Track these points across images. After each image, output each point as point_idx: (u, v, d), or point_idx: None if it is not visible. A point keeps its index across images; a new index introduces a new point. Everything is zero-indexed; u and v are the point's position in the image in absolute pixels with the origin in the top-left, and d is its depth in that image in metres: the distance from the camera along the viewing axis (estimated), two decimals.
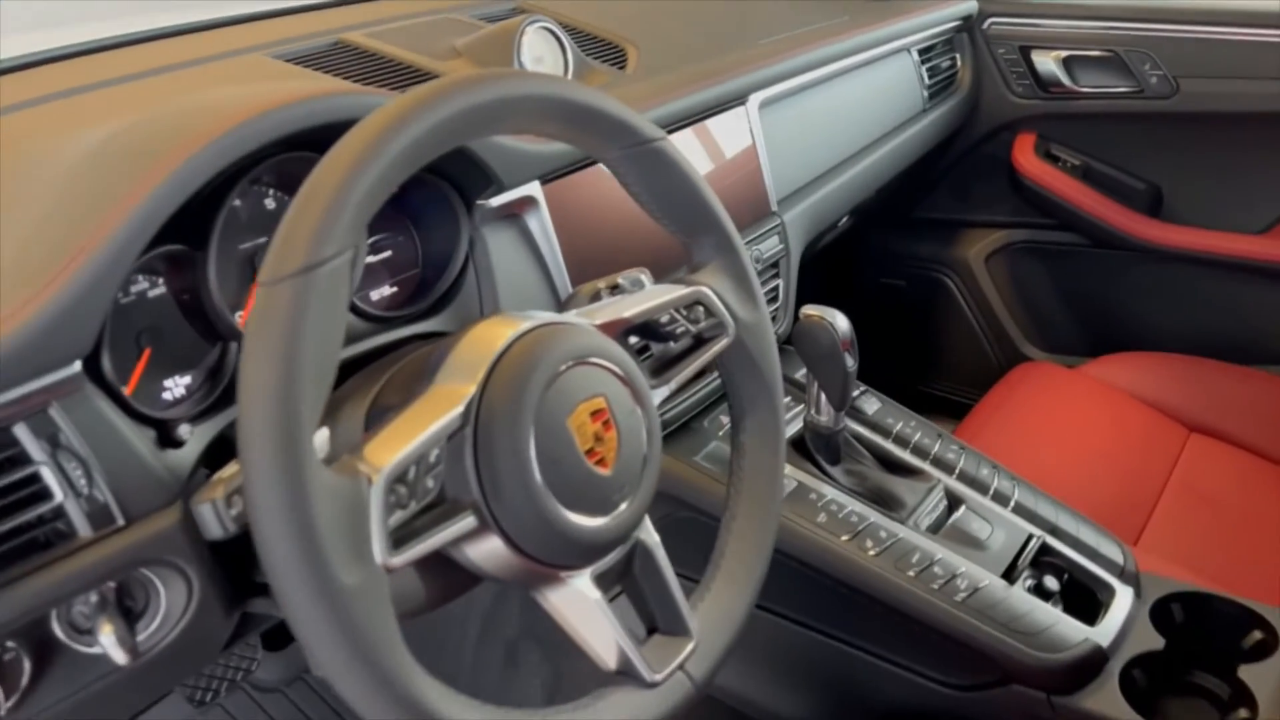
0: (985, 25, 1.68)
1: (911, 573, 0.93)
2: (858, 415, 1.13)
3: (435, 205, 0.86)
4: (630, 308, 0.70)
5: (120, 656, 0.62)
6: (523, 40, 1.04)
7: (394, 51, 1.04)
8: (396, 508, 0.53)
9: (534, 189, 0.90)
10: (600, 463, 0.62)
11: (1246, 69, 1.50)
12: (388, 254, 0.86)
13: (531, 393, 0.59)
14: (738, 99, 1.16)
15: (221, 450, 0.72)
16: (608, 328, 0.68)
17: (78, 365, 0.61)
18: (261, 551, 0.49)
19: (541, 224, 0.91)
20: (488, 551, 0.60)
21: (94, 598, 0.63)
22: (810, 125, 1.30)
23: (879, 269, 2.01)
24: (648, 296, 0.72)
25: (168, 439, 0.67)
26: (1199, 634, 0.96)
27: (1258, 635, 0.93)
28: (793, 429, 1.09)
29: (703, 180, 0.74)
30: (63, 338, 0.59)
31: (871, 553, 0.95)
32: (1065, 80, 1.64)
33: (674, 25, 1.32)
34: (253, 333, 0.49)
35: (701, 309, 0.73)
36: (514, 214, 0.90)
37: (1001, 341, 1.90)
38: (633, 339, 0.72)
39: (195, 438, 0.69)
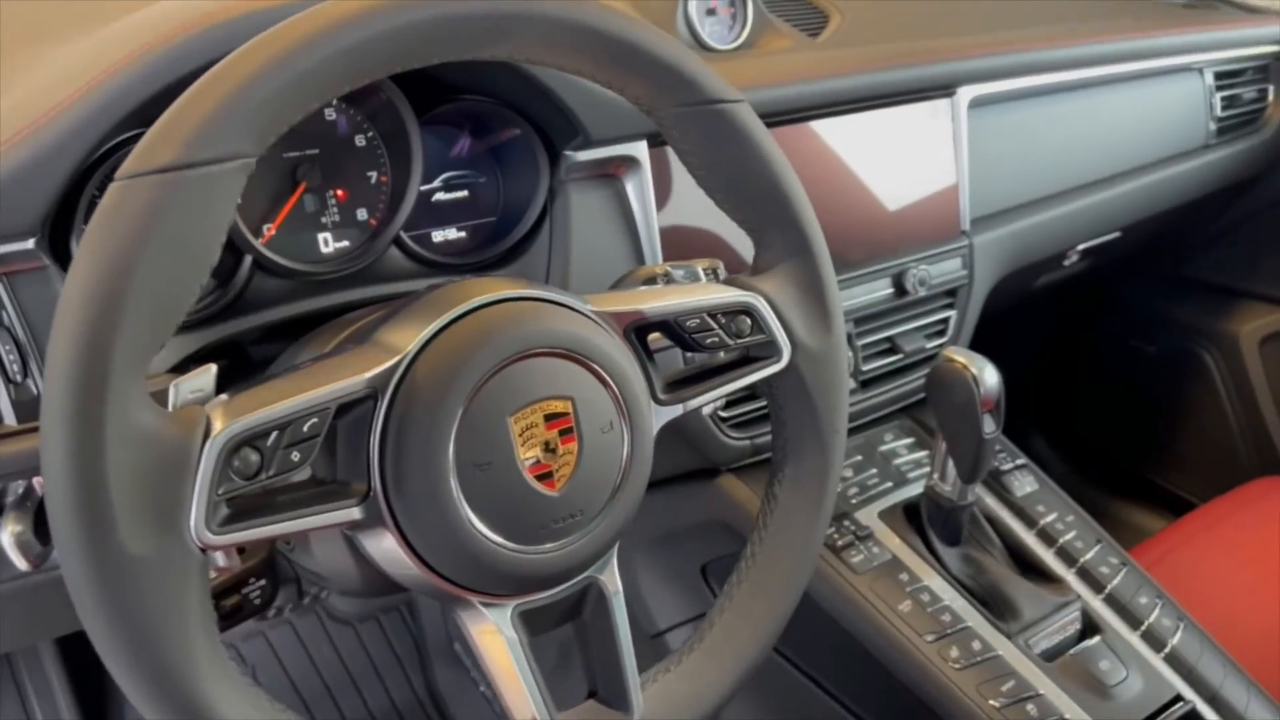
0: None
1: (996, 703, 0.74)
2: (1002, 493, 0.93)
3: (519, 149, 0.76)
4: (652, 300, 0.57)
5: (20, 562, 0.56)
6: None
7: None
8: (238, 476, 0.43)
9: (638, 149, 0.77)
10: (545, 479, 0.50)
11: None
12: (462, 194, 0.77)
13: (468, 374, 0.48)
14: (943, 89, 0.97)
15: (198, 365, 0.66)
16: (614, 319, 0.55)
17: (30, 242, 0.56)
18: (46, 499, 0.41)
19: (641, 190, 0.78)
20: (385, 552, 0.50)
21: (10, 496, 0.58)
22: (1035, 137, 1.08)
23: (1127, 327, 1.71)
24: (683, 292, 0.58)
25: None
26: None
27: None
28: (913, 491, 0.91)
29: (783, 161, 0.59)
30: (4, 210, 0.54)
31: (955, 666, 0.76)
32: None
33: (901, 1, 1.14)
34: (89, 233, 0.41)
35: (748, 321, 0.58)
36: (610, 174, 0.78)
37: (1259, 442, 1.56)
38: (656, 340, 0.58)
39: (174, 346, 0.63)
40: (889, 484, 0.91)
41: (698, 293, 0.58)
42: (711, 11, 0.94)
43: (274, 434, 0.44)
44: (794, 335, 0.60)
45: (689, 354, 0.62)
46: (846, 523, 0.86)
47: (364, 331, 0.52)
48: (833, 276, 0.61)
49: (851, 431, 0.97)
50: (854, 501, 0.89)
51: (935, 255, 0.98)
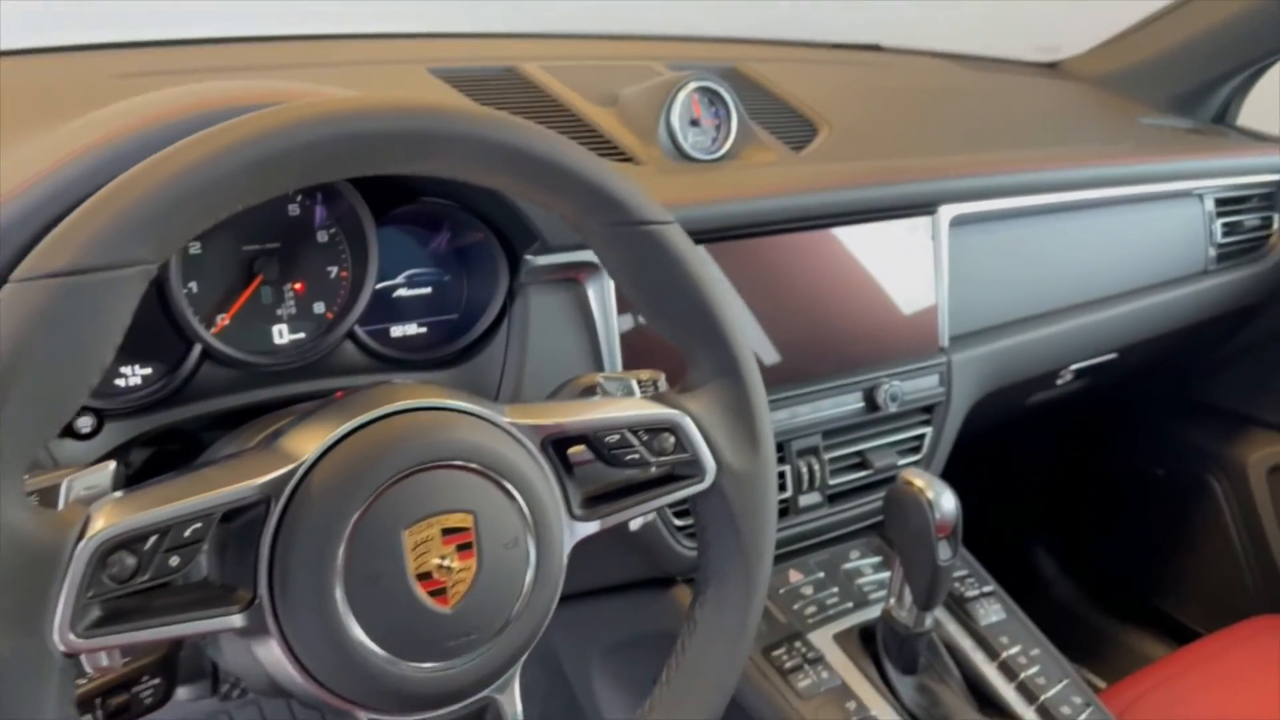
0: None
1: None
2: (966, 620, 0.90)
3: (482, 251, 0.77)
4: (574, 414, 0.57)
5: None
6: (676, 97, 0.93)
7: (555, 88, 0.98)
8: (111, 580, 0.43)
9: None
10: (438, 595, 0.50)
11: None
12: (426, 291, 0.78)
13: (363, 485, 0.48)
14: (924, 207, 0.97)
15: (141, 449, 0.67)
16: (532, 432, 0.55)
17: None
18: None
19: (602, 295, 0.79)
20: (271, 660, 0.49)
21: None
22: (1021, 256, 1.08)
23: (1136, 448, 1.67)
24: (607, 407, 0.58)
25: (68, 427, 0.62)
26: None
27: None
28: (873, 613, 0.88)
29: (713, 281, 0.59)
30: None
31: None
32: None
33: (891, 116, 1.16)
34: None
35: (672, 439, 0.58)
36: (572, 278, 0.78)
37: (1265, 576, 1.50)
38: (576, 453, 0.58)
39: (114, 431, 0.64)
40: (849, 604, 0.89)
41: (622, 408, 0.58)
42: (695, 122, 0.95)
43: (153, 538, 0.44)
44: (719, 455, 0.59)
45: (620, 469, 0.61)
46: (798, 644, 0.83)
47: (277, 432, 0.52)
48: (762, 397, 0.61)
49: (816, 547, 0.96)
50: (810, 621, 0.86)
51: (911, 371, 0.97)
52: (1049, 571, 1.80)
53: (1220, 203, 1.28)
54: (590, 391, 0.63)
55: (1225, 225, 1.29)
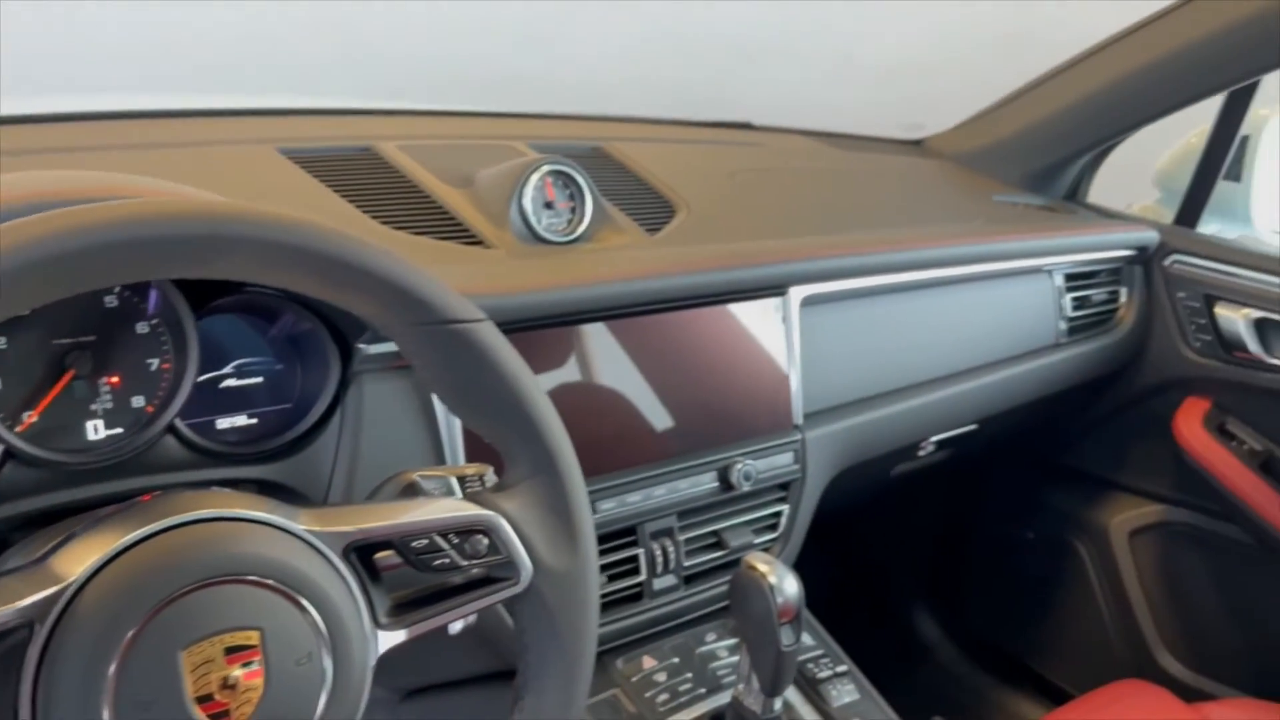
0: (1167, 262, 1.41)
1: None
2: (819, 702, 0.90)
3: (312, 339, 0.75)
4: (377, 519, 0.55)
5: None
6: (529, 180, 0.93)
7: (410, 168, 0.98)
8: None
9: None
10: (221, 718, 0.47)
11: None
12: (256, 380, 0.76)
13: (136, 606, 0.46)
14: (774, 289, 0.99)
15: None
16: (333, 539, 0.53)
17: None
18: None
19: None
20: None
21: None
22: (874, 334, 1.10)
23: (1008, 513, 1.72)
24: (415, 509, 0.56)
25: None
26: None
27: None
28: (725, 698, 0.87)
29: (527, 378, 0.59)
30: None
31: None
32: (1254, 346, 1.33)
33: (752, 197, 1.19)
34: None
35: (485, 540, 0.57)
36: (409, 366, 0.77)
37: (1131, 638, 1.55)
38: (384, 558, 0.56)
39: None
40: (702, 690, 0.88)
41: (432, 510, 0.56)
42: (549, 204, 0.95)
43: None
44: (535, 555, 0.58)
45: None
46: None
47: (60, 544, 0.49)
48: (582, 493, 0.60)
49: (671, 631, 0.95)
50: (661, 710, 0.85)
51: (766, 449, 0.98)
52: (932, 635, 1.82)
53: (1069, 278, 1.34)
54: (411, 490, 0.62)
55: (1074, 300, 1.35)
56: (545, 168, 0.94)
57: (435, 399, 0.78)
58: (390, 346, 0.75)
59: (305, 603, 0.50)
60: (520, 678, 0.60)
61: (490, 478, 0.64)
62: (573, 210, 0.96)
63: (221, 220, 0.48)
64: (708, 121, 1.50)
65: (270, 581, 0.49)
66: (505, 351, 0.58)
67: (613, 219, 0.99)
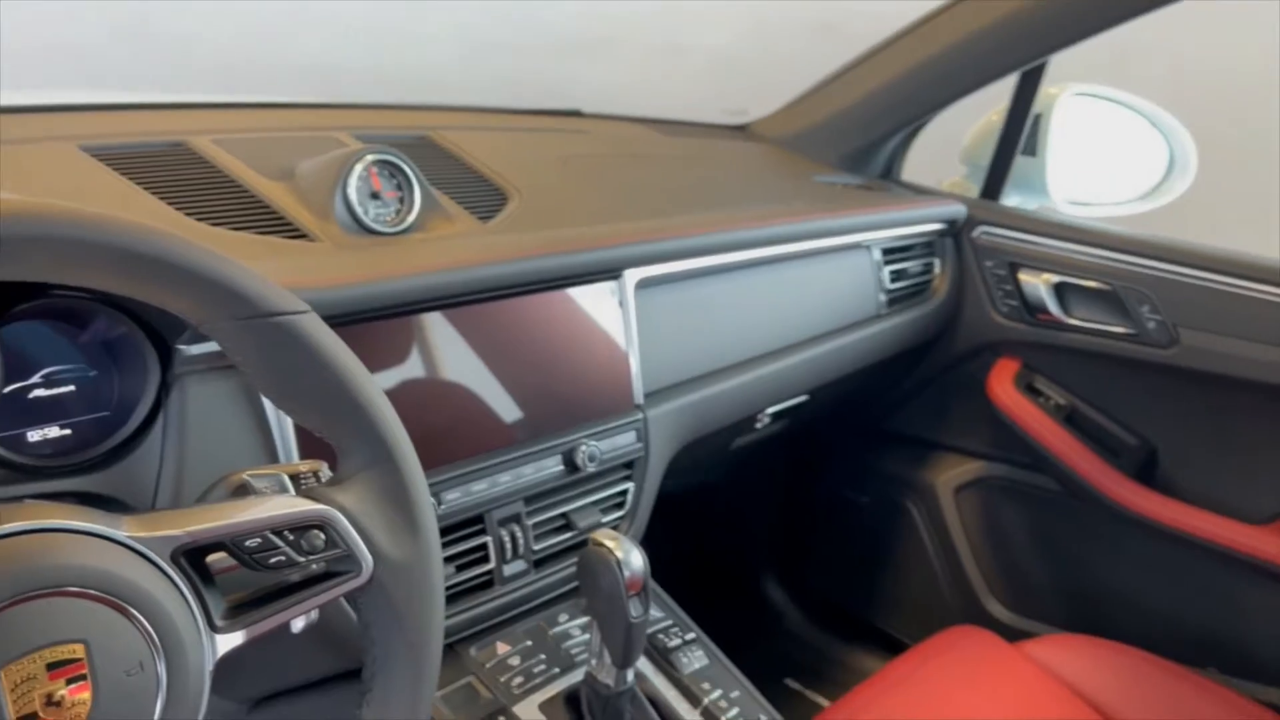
0: (974, 233, 1.51)
1: None
2: (669, 671, 0.93)
3: (128, 343, 0.72)
4: (206, 520, 0.53)
5: None
6: (353, 170, 0.92)
7: (226, 162, 0.94)
8: None
9: None
10: None
11: (1253, 329, 1.29)
12: (69, 389, 0.72)
13: None
14: (608, 272, 1.00)
15: None
16: (159, 544, 0.51)
17: None
18: None
19: None
20: None
21: None
22: (708, 312, 1.13)
23: (842, 479, 1.80)
24: (245, 509, 0.55)
25: None
26: None
27: None
28: (576, 677, 0.89)
29: (357, 368, 0.58)
30: None
31: None
32: (1054, 308, 1.45)
33: (584, 182, 1.20)
34: None
35: (322, 536, 0.56)
36: (234, 365, 0.75)
37: (959, 586, 1.66)
38: (216, 560, 0.55)
39: None
40: (556, 670, 0.89)
41: (263, 508, 0.55)
42: (375, 195, 0.94)
43: None
44: (376, 548, 0.57)
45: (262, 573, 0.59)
46: (502, 718, 0.83)
47: None
48: (420, 481, 0.60)
49: (524, 615, 0.95)
50: (516, 693, 0.86)
51: (609, 430, 1.00)
52: (779, 601, 1.89)
53: (886, 252, 1.42)
54: (241, 490, 0.60)
55: (892, 273, 1.42)
56: (370, 157, 0.92)
57: (263, 397, 0.76)
58: (212, 346, 0.72)
59: (133, 611, 0.48)
60: (367, 671, 0.59)
61: (325, 473, 0.63)
62: (400, 200, 0.95)
63: (13, 218, 0.46)
64: (536, 110, 1.50)
65: (92, 591, 0.47)
66: (331, 342, 0.57)
67: (443, 208, 0.98)
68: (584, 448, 0.96)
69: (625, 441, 1.01)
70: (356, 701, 0.89)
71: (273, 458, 0.77)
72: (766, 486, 1.87)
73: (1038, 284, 1.45)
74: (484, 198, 1.05)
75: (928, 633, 1.34)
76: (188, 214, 0.83)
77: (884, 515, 1.74)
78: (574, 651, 0.92)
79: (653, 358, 1.05)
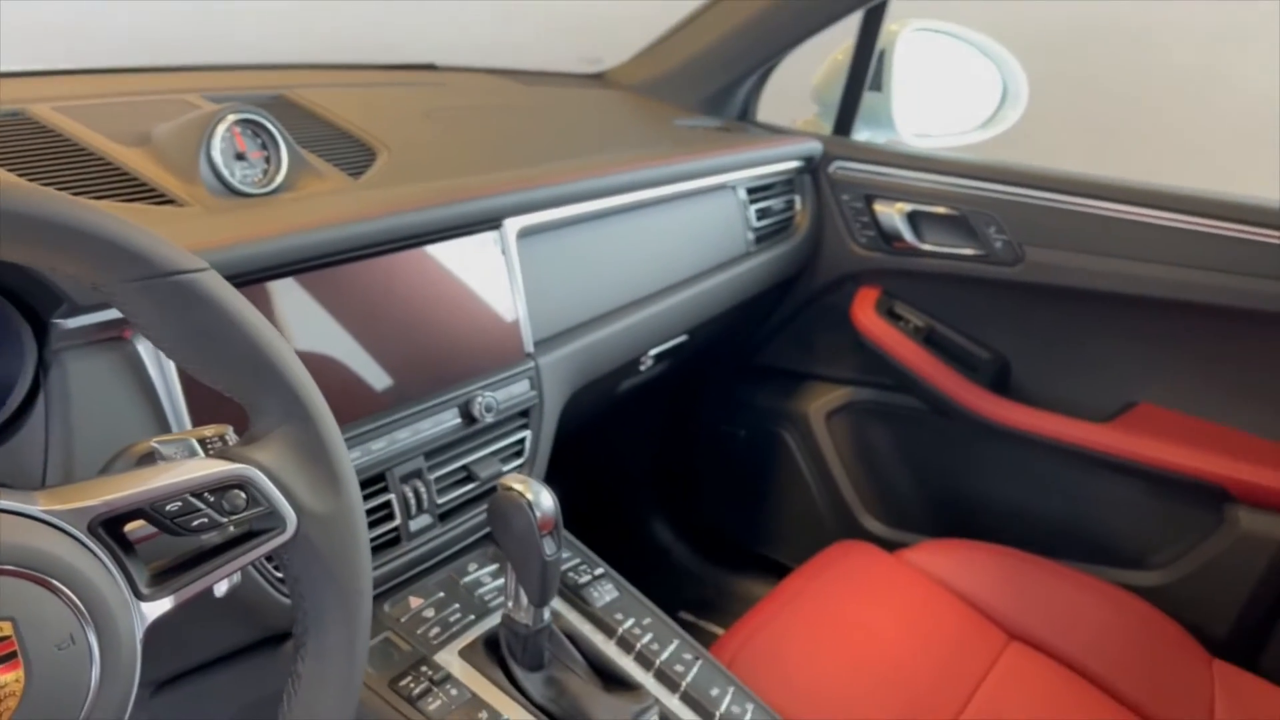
0: (830, 169, 1.57)
1: None
2: (582, 606, 0.95)
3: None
4: (122, 488, 0.52)
5: None
6: (215, 131, 0.88)
7: (74, 130, 0.89)
8: None
9: None
10: None
11: (1089, 242, 1.40)
12: None
13: None
14: (488, 222, 1.00)
15: None
16: (75, 516, 0.50)
17: None
18: None
19: (156, 352, 0.73)
20: None
21: None
22: (589, 258, 1.15)
23: (718, 416, 1.86)
24: (160, 474, 0.54)
25: None
26: None
27: None
28: (495, 620, 0.90)
29: (263, 324, 0.57)
30: None
31: None
32: (909, 236, 1.53)
33: (451, 135, 1.18)
34: None
35: (243, 495, 0.55)
36: (117, 337, 0.72)
37: (837, 507, 1.74)
38: (134, 529, 0.53)
39: None
40: (471, 617, 0.90)
41: (179, 472, 0.54)
42: (240, 156, 0.91)
43: None
44: (298, 502, 0.57)
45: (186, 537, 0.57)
46: (424, 668, 0.83)
47: None
48: (337, 434, 0.60)
49: (434, 567, 0.96)
50: (434, 643, 0.86)
51: (503, 380, 1.00)
52: (666, 539, 1.95)
53: (750, 191, 1.46)
54: (148, 459, 0.59)
55: (758, 211, 1.47)
56: (232, 116, 0.89)
57: (149, 367, 0.73)
58: (92, 319, 0.69)
59: (57, 584, 0.47)
60: (299, 625, 0.59)
61: (231, 437, 0.61)
62: (267, 160, 0.92)
63: None
64: (389, 65, 1.47)
65: (11, 568, 0.45)
66: (235, 299, 0.56)
67: (312, 166, 0.95)
68: (480, 399, 0.96)
69: (519, 390, 1.02)
70: (263, 672, 0.89)
71: (164, 428, 0.74)
72: (650, 428, 1.91)
73: (892, 214, 1.53)
74: (351, 155, 1.03)
75: (810, 554, 1.41)
76: (42, 184, 0.79)
77: (761, 446, 1.80)
78: (487, 598, 0.93)
79: (539, 306, 1.05)
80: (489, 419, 0.97)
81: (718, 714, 0.88)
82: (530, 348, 1.04)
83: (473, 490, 0.97)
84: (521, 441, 1.04)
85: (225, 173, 0.87)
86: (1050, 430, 1.49)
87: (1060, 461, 1.52)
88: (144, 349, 0.73)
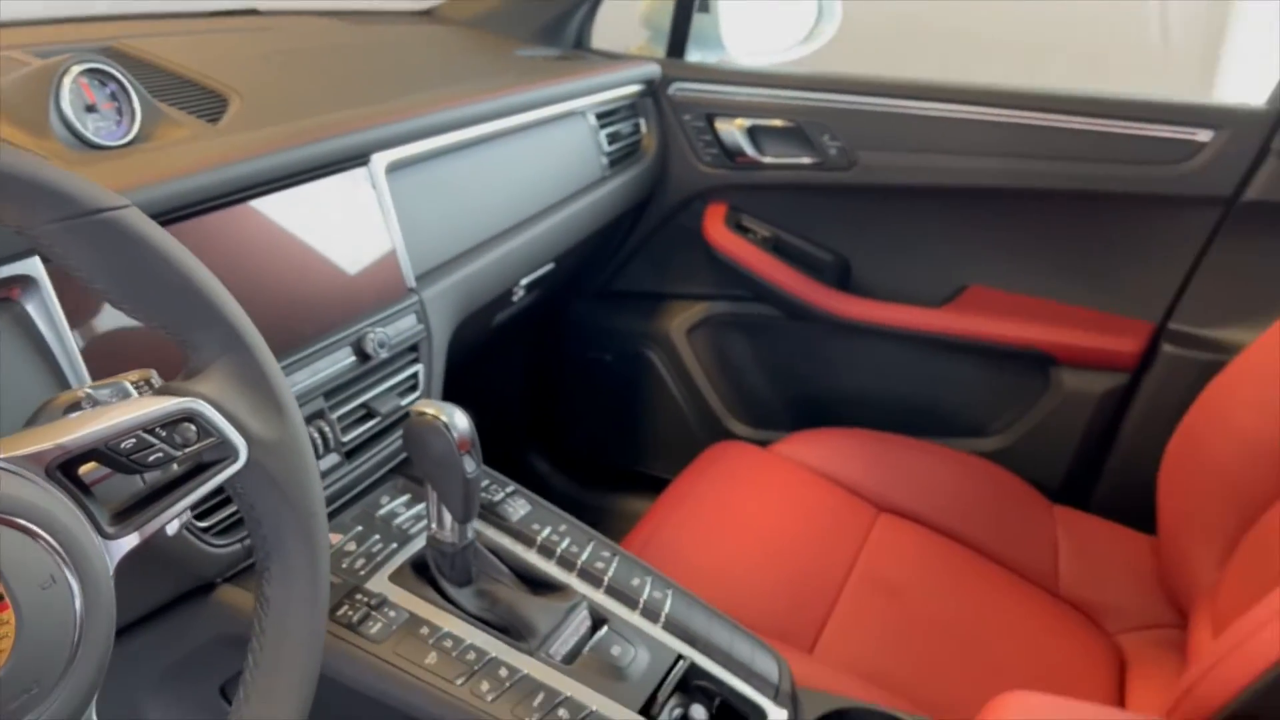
0: (670, 90, 1.62)
1: (533, 719, 0.78)
2: (500, 522, 0.98)
3: None
4: (74, 430, 0.52)
5: None
6: (62, 83, 0.84)
7: None
8: None
9: (31, 266, 0.69)
10: None
11: (916, 142, 1.51)
12: None
13: None
14: (356, 159, 1.00)
15: None
16: (31, 462, 0.49)
17: None
18: None
19: (46, 310, 0.71)
20: None
21: None
22: (458, 191, 1.16)
23: (583, 343, 1.90)
24: (109, 414, 0.54)
25: None
26: None
27: None
28: (417, 546, 0.93)
29: (190, 259, 0.57)
30: None
31: (489, 697, 0.79)
32: (750, 150, 1.60)
33: (297, 77, 1.16)
34: None
35: (192, 428, 0.56)
36: (5, 299, 0.69)
37: (706, 418, 1.83)
38: (88, 472, 0.53)
39: None
40: (394, 545, 0.92)
41: (127, 411, 0.54)
42: (91, 108, 0.87)
43: None
44: (247, 430, 0.58)
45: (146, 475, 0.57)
46: (359, 596, 0.85)
47: None
48: (274, 363, 0.61)
49: (348, 504, 0.97)
50: (362, 573, 0.88)
51: (391, 316, 1.01)
52: (544, 470, 1.99)
53: (599, 117, 1.49)
54: (76, 408, 0.58)
55: (608, 136, 1.50)
56: (77, 67, 0.85)
57: (41, 327, 0.71)
58: None
59: (32, 526, 0.47)
60: (260, 551, 0.60)
61: (156, 380, 0.61)
62: (119, 111, 0.89)
63: None
64: (211, 12, 1.41)
65: None
66: (161, 235, 0.56)
67: (167, 115, 0.92)
68: (372, 335, 0.97)
69: (407, 325, 1.03)
70: (190, 627, 0.88)
71: (64, 385, 0.72)
72: (521, 362, 1.94)
73: (733, 130, 1.59)
74: (202, 102, 1.00)
75: (685, 465, 1.49)
76: None
77: (628, 368, 1.86)
78: (405, 526, 0.95)
79: (415, 240, 1.06)
80: (383, 354, 0.98)
81: (641, 600, 0.93)
82: (412, 282, 1.05)
83: (375, 426, 0.98)
84: (415, 375, 1.05)
85: (78, 125, 0.84)
86: (892, 320, 1.61)
87: (904, 347, 1.65)
88: (33, 309, 0.70)
